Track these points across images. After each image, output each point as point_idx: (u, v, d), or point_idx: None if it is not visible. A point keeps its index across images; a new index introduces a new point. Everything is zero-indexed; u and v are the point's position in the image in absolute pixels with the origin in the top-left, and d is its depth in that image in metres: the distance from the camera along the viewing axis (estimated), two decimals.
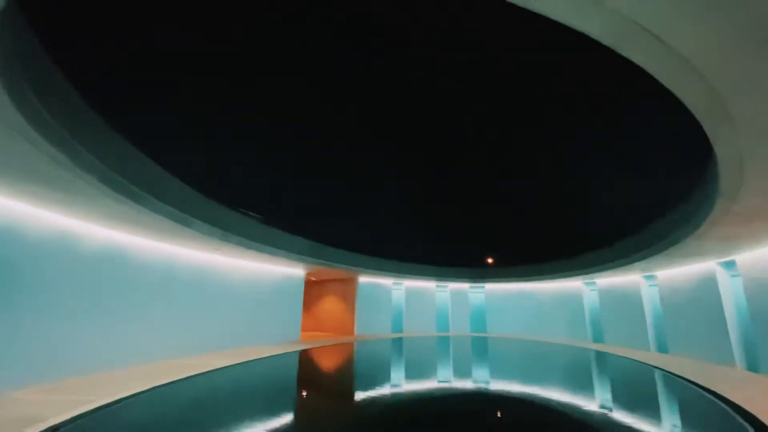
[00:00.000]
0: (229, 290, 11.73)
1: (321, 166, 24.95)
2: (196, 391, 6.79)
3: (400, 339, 17.81)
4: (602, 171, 23.34)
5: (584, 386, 8.67)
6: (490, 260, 23.96)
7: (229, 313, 11.59)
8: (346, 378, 9.26)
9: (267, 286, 13.72)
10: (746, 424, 5.05)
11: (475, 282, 21.88)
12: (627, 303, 15.13)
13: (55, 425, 4.24)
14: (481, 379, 9.15)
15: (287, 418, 5.78)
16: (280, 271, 14.48)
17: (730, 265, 10.00)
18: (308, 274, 16.97)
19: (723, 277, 10.27)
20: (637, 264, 11.72)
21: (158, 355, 8.67)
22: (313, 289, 20.45)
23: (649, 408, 6.68)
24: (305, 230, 13.52)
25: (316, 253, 13.59)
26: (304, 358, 11.19)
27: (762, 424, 4.86)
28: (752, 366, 9.25)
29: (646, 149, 21.59)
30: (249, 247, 9.91)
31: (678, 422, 5.92)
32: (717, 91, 2.73)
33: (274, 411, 5.91)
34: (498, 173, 26.89)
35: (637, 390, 8.40)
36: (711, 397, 6.70)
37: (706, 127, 3.38)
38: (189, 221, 7.21)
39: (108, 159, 4.99)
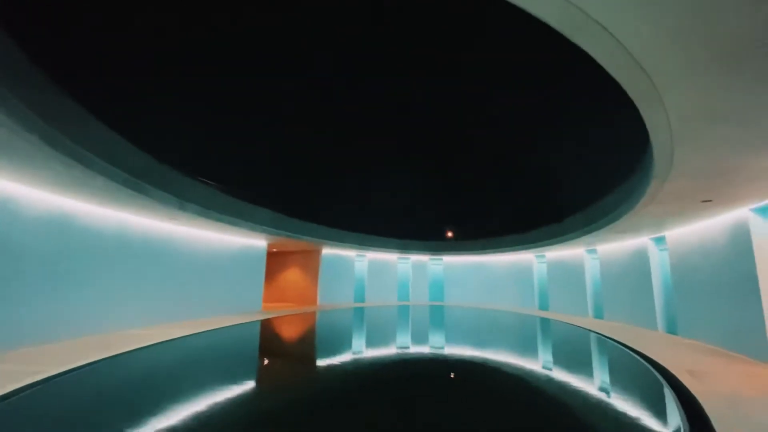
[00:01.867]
0: (188, 260, 11.43)
1: (282, 138, 24.13)
2: (154, 360, 6.74)
3: (362, 308, 18.34)
4: (558, 150, 24.45)
5: (528, 347, 9.54)
6: (449, 234, 24.81)
7: (187, 284, 11.35)
8: (307, 345, 9.53)
9: (227, 257, 13.50)
10: (657, 373, 5.89)
11: (434, 254, 22.71)
12: (571, 274, 16.47)
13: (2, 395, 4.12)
14: (437, 344, 9.75)
15: (249, 384, 5.94)
16: (241, 242, 14.24)
17: (660, 240, 11.12)
18: (270, 245, 16.81)
19: (653, 250, 11.43)
20: (582, 239, 12.70)
21: (113, 326, 8.42)
22: (275, 261, 20.33)
23: (581, 363, 7.53)
24: (267, 201, 13.28)
25: (279, 225, 13.45)
26: (266, 327, 11.30)
27: (669, 372, 5.70)
28: (671, 329, 10.56)
29: (600, 131, 22.77)
30: (208, 217, 9.64)
31: (602, 373, 6.75)
32: (654, 82, 3.02)
33: (236, 378, 6.03)
34: (457, 151, 27.43)
35: (573, 349, 9.37)
36: (632, 353, 7.66)
37: (644, 115, 3.73)
38: (143, 188, 6.89)
39: (53, 119, 4.63)
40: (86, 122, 5.70)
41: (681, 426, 3.66)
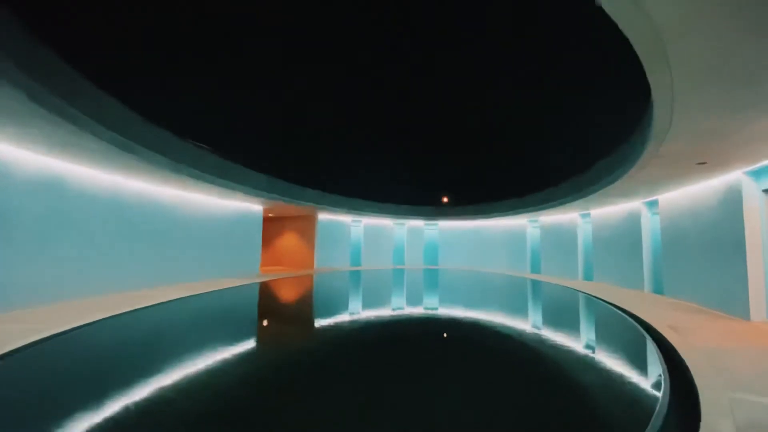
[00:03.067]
0: (184, 224, 11.44)
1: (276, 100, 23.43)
2: (156, 319, 6.90)
3: (358, 272, 18.69)
4: (557, 115, 24.10)
5: (519, 305, 9.88)
6: (445, 200, 24.89)
7: (184, 247, 11.43)
8: (306, 304, 9.78)
9: (224, 221, 13.51)
10: (640, 328, 6.18)
11: (430, 219, 22.89)
12: (564, 238, 16.77)
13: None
14: (430, 304, 10.05)
15: (250, 341, 6.14)
16: (236, 206, 14.21)
17: (653, 204, 11.26)
18: (266, 210, 16.80)
19: (645, 214, 11.60)
20: (577, 203, 12.82)
21: (108, 289, 8.53)
22: (272, 226, 20.41)
23: (568, 320, 7.85)
24: (262, 165, 13.10)
25: (274, 189, 13.37)
26: (265, 289, 11.54)
27: (651, 327, 5.97)
28: (657, 290, 10.94)
29: (599, 90, 22.33)
30: (202, 180, 9.53)
31: (588, 328, 7.06)
32: (659, 33, 2.94)
33: (236, 336, 6.23)
34: (454, 114, 26.93)
35: (561, 306, 9.73)
36: (617, 310, 7.99)
37: (647, 69, 3.65)
38: (134, 149, 6.75)
39: (40, 76, 4.44)
40: (74, 80, 5.47)
41: (661, 373, 3.88)
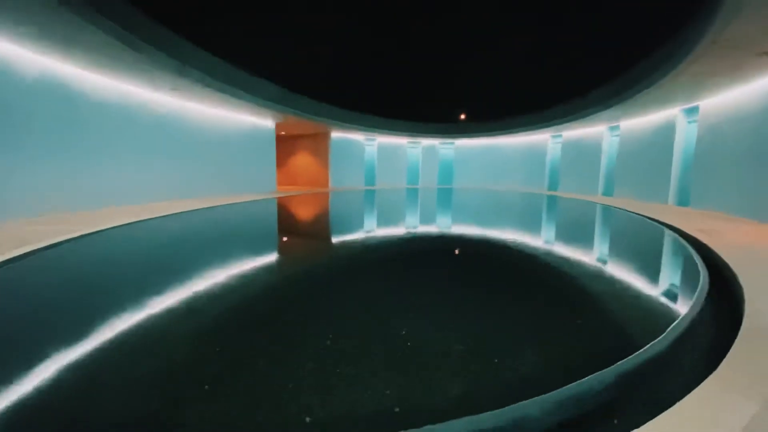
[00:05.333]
0: (197, 138, 11.21)
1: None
2: (177, 225, 7.02)
3: (372, 190, 18.70)
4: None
5: (544, 218, 9.81)
6: (462, 117, 23.76)
7: (198, 162, 11.36)
8: (323, 214, 9.88)
9: (237, 135, 13.21)
10: (670, 230, 6.08)
11: (445, 137, 22.11)
12: (586, 154, 16.13)
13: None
14: (443, 221, 10.05)
15: (271, 250, 6.27)
16: (249, 121, 13.77)
17: (692, 111, 10.45)
18: (278, 128, 16.31)
19: (681, 123, 10.84)
20: (606, 112, 11.99)
21: (124, 200, 8.62)
22: (285, 145, 20.04)
23: (594, 227, 7.79)
24: (274, 78, 12.28)
25: (285, 101, 12.75)
26: (283, 203, 11.65)
27: (681, 230, 5.85)
28: (683, 202, 10.66)
29: None
30: (210, 86, 9.03)
31: (617, 232, 7.01)
32: None
33: (257, 244, 6.35)
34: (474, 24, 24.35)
35: (586, 218, 9.62)
36: (644, 218, 7.87)
37: None
38: (138, 45, 6.25)
39: None
40: None
41: (698, 264, 3.81)
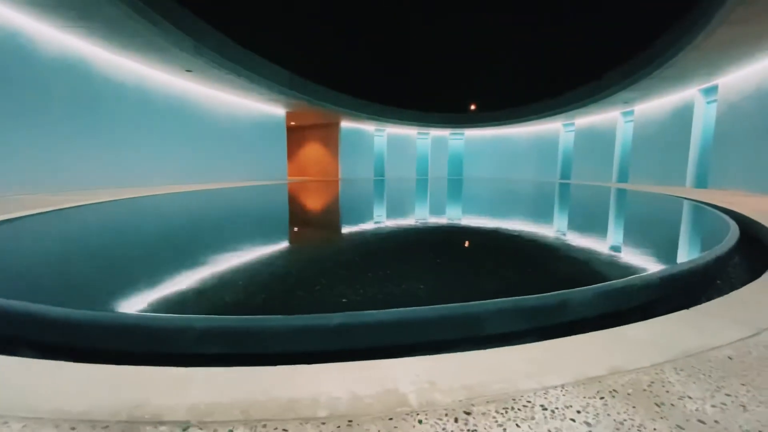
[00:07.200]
0: (209, 123, 11.30)
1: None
2: (192, 201, 7.04)
3: (382, 180, 18.67)
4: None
5: (573, 204, 9.66)
6: (472, 106, 23.61)
7: (211, 147, 11.46)
8: (333, 197, 9.87)
9: (248, 122, 13.29)
10: (696, 203, 5.93)
11: (455, 128, 21.98)
12: (600, 141, 15.90)
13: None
14: (453, 211, 9.98)
15: (282, 229, 6.27)
16: (260, 108, 13.85)
17: (711, 91, 10.22)
18: (289, 118, 16.36)
19: (700, 103, 10.61)
20: (622, 94, 11.77)
21: (138, 182, 8.73)
22: (296, 136, 20.10)
23: (627, 205, 7.65)
24: (285, 63, 12.31)
25: (297, 87, 12.78)
26: (294, 188, 11.68)
27: (706, 203, 5.71)
28: (701, 184, 10.45)
29: None
30: (224, 67, 9.09)
31: (644, 206, 6.87)
32: None
33: (271, 224, 6.35)
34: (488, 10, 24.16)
35: (610, 199, 9.45)
36: (669, 195, 7.69)
37: None
38: (156, 19, 6.31)
39: None
40: None
41: (730, 223, 3.72)
